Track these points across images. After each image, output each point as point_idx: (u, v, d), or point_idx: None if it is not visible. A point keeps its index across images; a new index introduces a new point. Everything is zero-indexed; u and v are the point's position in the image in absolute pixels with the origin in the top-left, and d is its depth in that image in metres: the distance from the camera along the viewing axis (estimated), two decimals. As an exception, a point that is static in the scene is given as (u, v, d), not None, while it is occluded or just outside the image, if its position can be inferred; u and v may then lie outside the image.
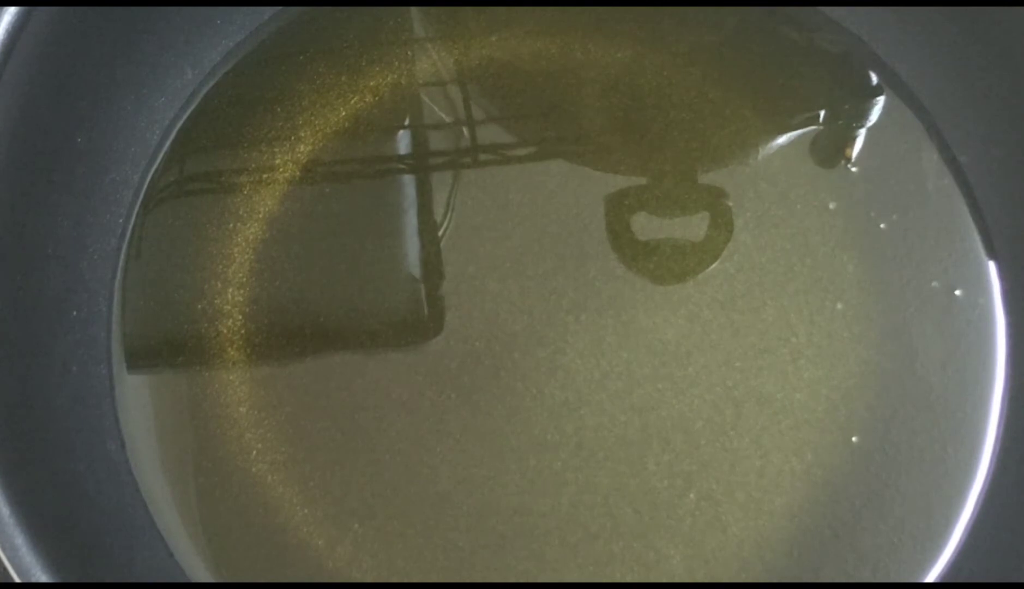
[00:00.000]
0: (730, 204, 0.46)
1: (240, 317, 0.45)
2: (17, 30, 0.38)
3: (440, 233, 0.46)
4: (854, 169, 0.47)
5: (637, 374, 0.44)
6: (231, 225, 0.46)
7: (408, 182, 0.47)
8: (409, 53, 0.48)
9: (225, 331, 0.45)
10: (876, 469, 0.43)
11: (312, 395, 0.44)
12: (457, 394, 0.44)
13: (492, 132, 0.47)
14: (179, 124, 0.47)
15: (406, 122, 0.48)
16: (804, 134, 0.47)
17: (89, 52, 0.42)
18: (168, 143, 0.47)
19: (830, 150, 0.47)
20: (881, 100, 0.48)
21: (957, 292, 0.45)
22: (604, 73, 0.48)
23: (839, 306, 0.45)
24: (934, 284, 0.45)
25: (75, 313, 0.44)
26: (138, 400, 0.44)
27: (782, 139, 0.47)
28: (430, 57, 0.48)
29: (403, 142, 0.48)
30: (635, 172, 0.46)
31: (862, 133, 0.47)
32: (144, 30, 0.44)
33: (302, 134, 0.47)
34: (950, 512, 0.43)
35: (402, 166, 0.47)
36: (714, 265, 0.45)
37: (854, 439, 0.44)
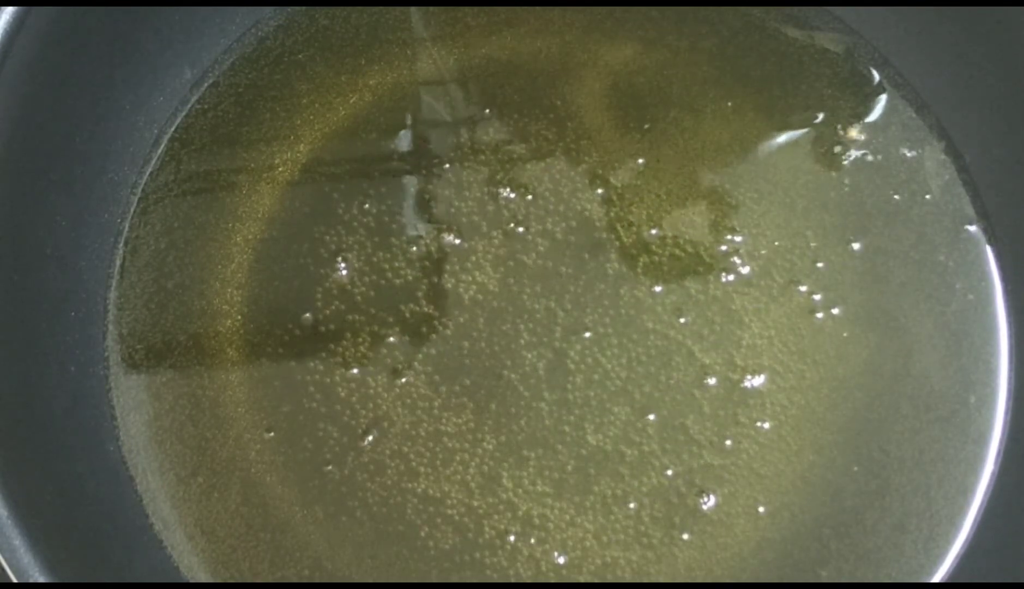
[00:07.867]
0: (730, 204, 0.46)
1: (239, 317, 0.45)
2: (15, 30, 0.38)
3: (440, 232, 0.46)
4: (856, 168, 0.46)
5: (637, 374, 0.44)
6: (230, 224, 0.46)
7: (408, 182, 0.47)
8: (409, 52, 0.48)
9: (224, 331, 0.45)
10: (876, 469, 0.43)
11: (311, 395, 0.44)
12: (457, 394, 0.44)
13: (492, 131, 0.47)
14: (177, 123, 0.47)
15: (406, 121, 0.48)
16: (805, 133, 0.47)
17: (87, 51, 0.42)
18: (166, 142, 0.47)
19: (831, 149, 0.47)
20: (883, 98, 0.48)
21: (959, 290, 0.45)
22: (604, 73, 0.48)
23: (839, 305, 0.45)
24: (936, 282, 0.45)
25: (73, 313, 0.44)
26: (136, 400, 0.44)
27: (782, 139, 0.47)
28: (430, 56, 0.48)
29: (403, 142, 0.48)
30: (635, 171, 0.46)
31: (864, 131, 0.47)
32: (143, 29, 0.44)
33: (301, 133, 0.47)
34: (953, 512, 0.43)
35: (402, 166, 0.47)
36: (714, 265, 0.45)
37: (854, 439, 0.44)
